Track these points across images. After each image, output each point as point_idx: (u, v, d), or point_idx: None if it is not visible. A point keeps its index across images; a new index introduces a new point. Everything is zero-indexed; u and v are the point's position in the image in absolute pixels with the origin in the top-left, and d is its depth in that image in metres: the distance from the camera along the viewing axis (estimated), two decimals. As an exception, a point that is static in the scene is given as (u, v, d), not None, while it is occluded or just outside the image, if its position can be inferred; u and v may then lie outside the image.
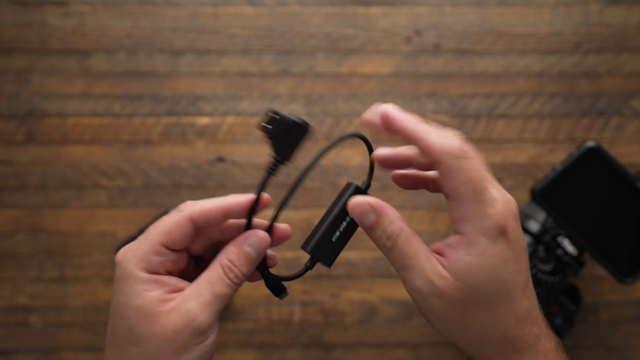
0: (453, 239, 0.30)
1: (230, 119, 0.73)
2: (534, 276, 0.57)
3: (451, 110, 0.73)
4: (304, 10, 0.74)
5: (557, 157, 0.72)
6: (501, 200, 0.29)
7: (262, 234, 0.32)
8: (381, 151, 0.33)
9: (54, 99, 0.73)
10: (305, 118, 0.73)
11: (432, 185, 0.35)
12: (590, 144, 0.53)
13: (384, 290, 0.70)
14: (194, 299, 0.30)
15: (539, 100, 0.73)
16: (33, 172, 0.71)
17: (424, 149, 0.29)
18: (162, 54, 0.73)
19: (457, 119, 0.73)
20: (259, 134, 0.72)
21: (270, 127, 0.31)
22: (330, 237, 0.32)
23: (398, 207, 0.75)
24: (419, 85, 0.73)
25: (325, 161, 0.72)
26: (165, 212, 0.69)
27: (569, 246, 0.56)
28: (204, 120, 0.73)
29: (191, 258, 0.34)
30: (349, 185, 0.33)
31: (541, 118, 0.73)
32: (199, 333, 0.30)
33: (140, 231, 0.68)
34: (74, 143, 0.72)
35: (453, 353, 0.69)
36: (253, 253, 0.31)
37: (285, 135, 0.31)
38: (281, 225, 0.33)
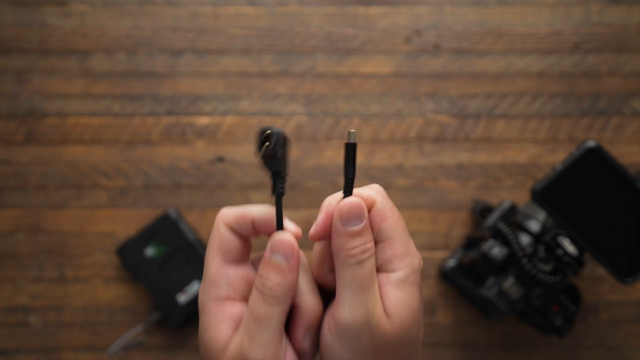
0: (379, 276, 0.29)
1: (230, 119, 0.73)
2: (534, 276, 0.57)
3: (451, 110, 0.73)
4: (304, 10, 0.74)
5: (557, 157, 0.72)
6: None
7: (281, 236, 0.29)
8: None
9: (53, 99, 0.73)
10: (305, 118, 0.73)
11: None
12: (590, 144, 0.53)
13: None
14: (242, 331, 0.28)
15: (539, 100, 0.73)
16: (33, 172, 0.71)
17: (358, 194, 0.29)
18: (162, 54, 0.73)
19: (457, 119, 0.73)
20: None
21: (270, 146, 0.28)
22: None
23: (398, 207, 0.75)
24: (419, 85, 0.73)
25: (325, 161, 0.72)
26: (165, 213, 0.69)
27: (569, 246, 0.56)
28: (203, 120, 0.73)
29: None
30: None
31: (541, 118, 0.73)
32: None
33: (140, 231, 0.68)
34: (74, 143, 0.72)
35: (453, 353, 0.69)
36: (280, 259, 0.29)
37: (282, 149, 0.28)
38: (290, 227, 0.30)
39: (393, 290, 0.29)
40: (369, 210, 0.29)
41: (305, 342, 0.30)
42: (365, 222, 0.29)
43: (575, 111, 0.73)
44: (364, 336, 0.28)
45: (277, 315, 0.28)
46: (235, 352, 0.28)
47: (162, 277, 0.67)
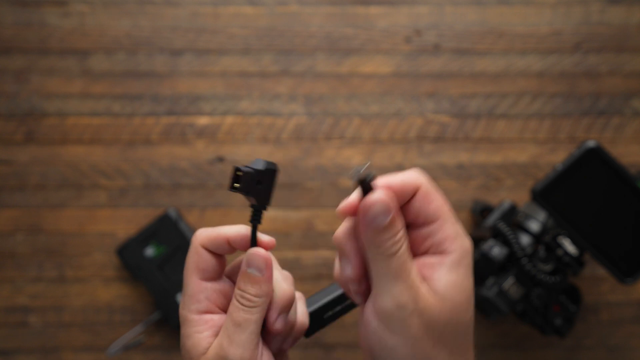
0: (431, 259, 0.29)
1: (229, 119, 0.73)
2: (534, 276, 0.57)
3: (451, 110, 0.73)
4: (304, 10, 0.74)
5: (558, 157, 0.72)
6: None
7: (254, 251, 0.32)
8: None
9: (53, 99, 0.72)
10: (305, 118, 0.73)
11: None
12: (590, 144, 0.53)
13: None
14: (222, 335, 0.31)
15: (540, 100, 0.73)
16: (33, 172, 0.71)
17: (401, 183, 0.29)
18: (162, 53, 0.73)
19: (457, 118, 0.73)
20: (259, 133, 0.72)
21: (240, 185, 0.32)
22: (323, 314, 0.36)
23: (398, 207, 0.74)
24: (419, 85, 0.73)
25: (325, 161, 0.72)
26: (165, 213, 0.69)
27: (569, 246, 0.56)
28: (203, 120, 0.72)
29: None
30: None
31: (541, 118, 0.73)
32: None
33: (140, 231, 0.68)
34: (74, 143, 0.72)
35: (453, 353, 0.69)
36: (255, 272, 0.32)
37: (258, 185, 0.32)
38: (265, 238, 0.34)
39: (446, 273, 0.29)
40: (414, 195, 0.29)
41: (278, 323, 0.33)
42: (391, 216, 0.28)
43: (576, 111, 0.73)
44: (412, 319, 0.28)
45: (254, 320, 0.31)
46: (214, 353, 0.31)
47: (162, 277, 0.67)
